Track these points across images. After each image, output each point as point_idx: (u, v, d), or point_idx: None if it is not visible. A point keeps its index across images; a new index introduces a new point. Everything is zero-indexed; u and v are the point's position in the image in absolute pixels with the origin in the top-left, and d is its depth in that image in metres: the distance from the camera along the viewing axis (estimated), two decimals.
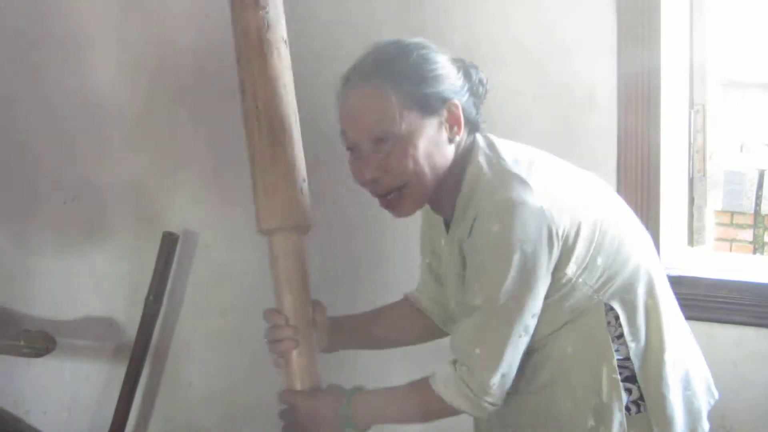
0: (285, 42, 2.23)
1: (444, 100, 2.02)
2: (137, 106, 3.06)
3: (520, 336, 1.97)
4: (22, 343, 2.98)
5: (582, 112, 2.83)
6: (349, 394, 2.19)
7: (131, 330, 3.07)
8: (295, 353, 2.25)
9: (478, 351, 1.98)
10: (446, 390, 2.02)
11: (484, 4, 2.92)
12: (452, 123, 2.03)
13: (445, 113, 2.02)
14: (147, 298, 3.00)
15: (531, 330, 1.99)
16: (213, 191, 3.15)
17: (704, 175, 3.01)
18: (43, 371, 3.15)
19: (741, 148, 6.37)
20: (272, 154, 2.21)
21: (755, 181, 6.31)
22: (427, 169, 2.03)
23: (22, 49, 3.15)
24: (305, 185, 2.22)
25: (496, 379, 1.97)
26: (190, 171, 3.15)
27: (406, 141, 1.99)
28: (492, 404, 1.99)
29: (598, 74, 2.79)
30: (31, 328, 3.07)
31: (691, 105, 2.94)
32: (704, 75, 2.93)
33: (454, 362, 2.01)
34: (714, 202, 2.99)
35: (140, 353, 3.06)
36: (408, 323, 2.43)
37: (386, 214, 2.11)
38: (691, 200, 3.00)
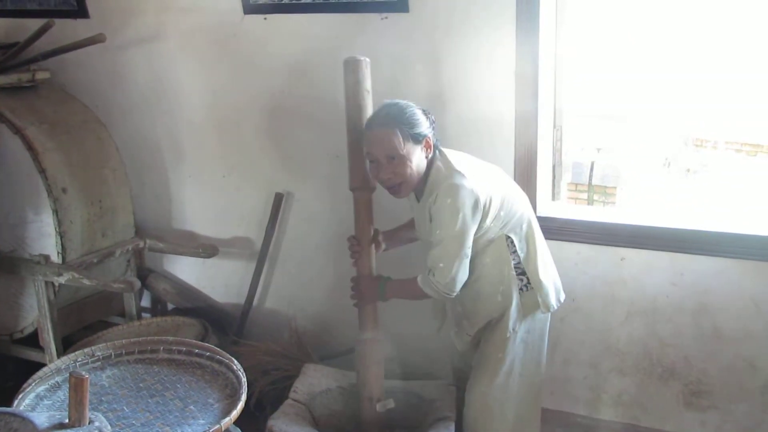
0: (368, 91, 2.74)
1: (423, 136, 2.51)
2: (257, 123, 3.62)
3: (464, 257, 2.50)
4: (200, 250, 3.78)
5: (496, 128, 3.12)
6: (384, 280, 2.77)
7: (258, 244, 3.72)
8: (360, 257, 2.81)
9: (441, 265, 2.50)
10: (423, 285, 2.57)
11: (442, 70, 3.17)
12: (427, 148, 2.53)
13: (424, 142, 2.51)
14: (267, 228, 3.66)
15: (469, 253, 2.50)
16: (302, 170, 3.59)
17: (561, 164, 3.33)
18: (211, 265, 3.90)
19: (582, 149, 7.38)
20: (357, 149, 2.68)
21: (589, 167, 7.38)
22: (415, 173, 2.52)
23: (147, 94, 3.84)
24: None
25: (450, 280, 2.50)
26: (292, 158, 3.61)
27: (405, 158, 2.49)
28: (447, 294, 2.54)
29: (505, 108, 3.09)
30: (204, 242, 3.86)
31: (554, 126, 3.25)
32: (561, 110, 3.25)
33: (428, 271, 2.54)
34: (566, 177, 3.29)
35: (263, 256, 3.71)
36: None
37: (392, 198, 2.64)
38: (554, 177, 3.32)
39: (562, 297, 2.76)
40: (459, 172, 2.50)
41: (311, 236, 3.69)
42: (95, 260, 3.54)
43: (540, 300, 2.64)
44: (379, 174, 2.57)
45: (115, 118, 3.86)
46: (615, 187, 7.91)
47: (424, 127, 2.53)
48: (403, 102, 2.57)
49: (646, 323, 3.15)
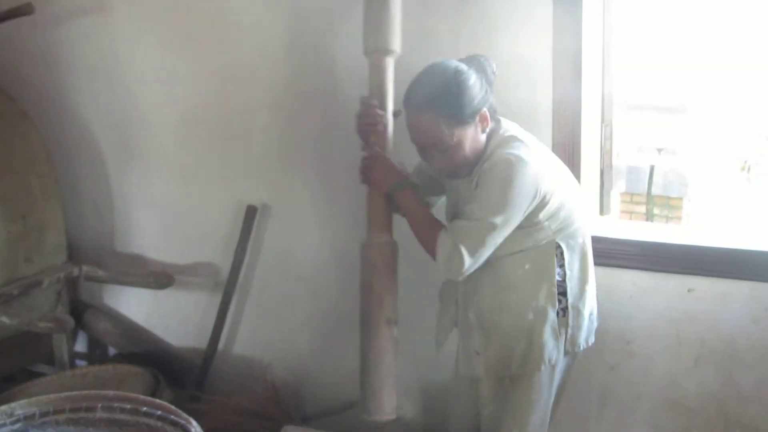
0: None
1: (476, 111, 2.54)
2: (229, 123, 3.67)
3: (491, 247, 2.54)
4: (151, 279, 3.77)
5: (530, 120, 3.07)
6: (405, 183, 2.77)
7: (225, 271, 3.74)
8: (379, 126, 2.82)
9: (466, 242, 2.52)
10: (441, 246, 2.56)
11: (466, 43, 3.14)
12: (483, 122, 2.58)
13: (478, 118, 2.55)
14: (236, 250, 3.66)
15: (498, 243, 2.54)
16: (282, 176, 3.62)
17: (611, 168, 3.34)
18: (165, 299, 3.91)
19: (638, 149, 7.39)
20: None
21: (648, 172, 7.39)
22: (471, 156, 2.60)
23: (87, 80, 3.88)
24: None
25: (469, 263, 2.52)
26: (269, 161, 3.63)
27: (458, 146, 2.55)
28: (453, 274, 2.58)
29: (540, 95, 3.12)
30: (157, 269, 3.87)
31: (602, 120, 3.27)
32: (611, 100, 3.26)
33: (455, 243, 2.53)
34: (618, 186, 3.41)
35: (231, 287, 3.73)
36: None
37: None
38: (602, 184, 3.32)
39: (591, 340, 2.82)
40: (525, 144, 2.57)
41: (292, 261, 3.71)
42: (16, 292, 3.51)
43: (569, 332, 2.69)
44: (431, 163, 2.67)
45: (45, 111, 3.88)
46: (681, 198, 7.90)
47: (477, 99, 2.55)
48: (450, 70, 2.57)
49: (721, 371, 3.11)
